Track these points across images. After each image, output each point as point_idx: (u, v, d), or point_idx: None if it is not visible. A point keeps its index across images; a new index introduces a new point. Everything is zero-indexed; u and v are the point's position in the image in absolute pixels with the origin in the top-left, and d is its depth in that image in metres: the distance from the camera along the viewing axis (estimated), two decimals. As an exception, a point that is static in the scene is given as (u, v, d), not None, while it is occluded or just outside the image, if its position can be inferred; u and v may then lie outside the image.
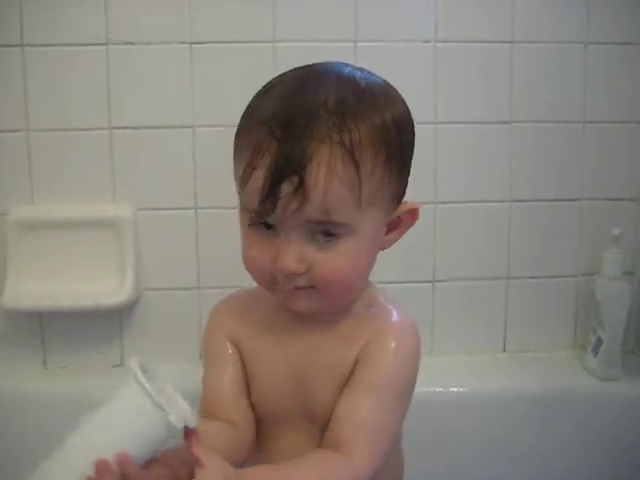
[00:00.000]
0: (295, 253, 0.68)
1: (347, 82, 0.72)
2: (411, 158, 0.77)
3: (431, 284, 1.27)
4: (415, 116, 1.20)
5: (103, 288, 1.19)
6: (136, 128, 1.19)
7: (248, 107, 0.74)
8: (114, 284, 1.19)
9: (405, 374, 0.76)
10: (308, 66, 0.76)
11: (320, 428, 0.76)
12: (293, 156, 0.65)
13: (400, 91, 1.21)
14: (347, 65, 0.76)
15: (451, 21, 1.21)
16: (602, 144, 1.26)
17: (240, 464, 0.75)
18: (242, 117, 0.74)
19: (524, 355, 1.29)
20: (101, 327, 1.23)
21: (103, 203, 1.21)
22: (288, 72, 0.76)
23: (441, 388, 1.19)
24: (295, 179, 0.65)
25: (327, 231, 0.69)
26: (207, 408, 0.79)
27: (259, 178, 0.66)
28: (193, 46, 1.18)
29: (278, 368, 0.78)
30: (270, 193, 0.66)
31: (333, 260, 0.69)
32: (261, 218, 0.69)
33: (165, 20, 1.18)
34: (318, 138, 0.65)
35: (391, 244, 0.77)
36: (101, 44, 1.17)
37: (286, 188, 0.65)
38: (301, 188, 0.65)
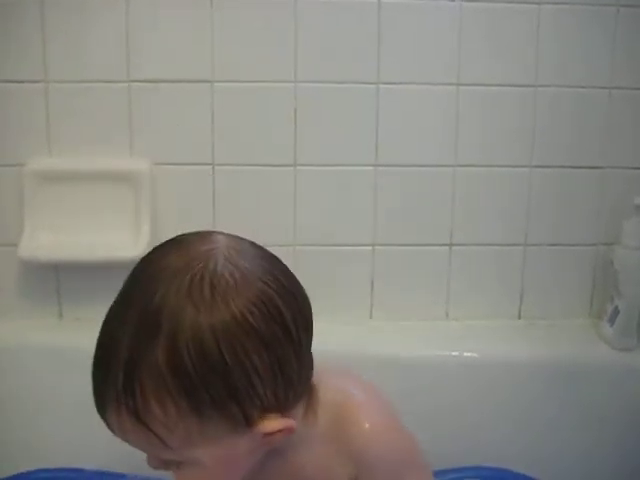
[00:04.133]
0: (152, 459, 0.66)
1: (150, 313, 0.61)
2: (260, 375, 0.61)
3: (448, 247, 1.26)
4: (438, 78, 1.20)
5: (119, 241, 1.19)
6: (155, 82, 1.18)
7: None
8: (130, 237, 1.19)
9: (400, 440, 0.74)
10: (142, 269, 0.68)
11: None
12: (97, 397, 0.63)
13: (424, 52, 1.21)
14: (186, 270, 0.62)
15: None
16: (626, 111, 1.23)
17: None
18: None
19: (539, 322, 1.29)
20: (116, 280, 1.21)
21: (120, 156, 1.21)
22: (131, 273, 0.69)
23: (455, 352, 1.19)
24: (104, 419, 0.63)
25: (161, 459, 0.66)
26: None
27: None
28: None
29: None
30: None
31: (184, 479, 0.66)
32: None
33: (186, -29, 1.17)
34: (109, 391, 0.61)
35: (283, 439, 0.66)
36: (121, -6, 1.16)
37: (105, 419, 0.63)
38: (110, 426, 0.63)
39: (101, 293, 1.23)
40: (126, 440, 0.63)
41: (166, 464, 0.66)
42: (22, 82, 1.18)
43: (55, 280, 1.24)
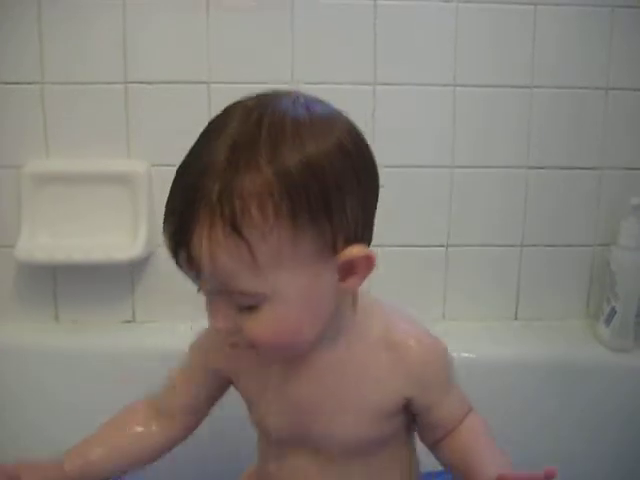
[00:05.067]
0: (220, 315, 0.66)
1: (248, 129, 0.63)
2: (352, 195, 0.65)
3: (444, 248, 1.26)
4: (434, 79, 1.21)
5: (116, 243, 1.19)
6: (151, 83, 1.18)
7: None
8: (127, 239, 1.19)
9: (445, 361, 0.78)
10: (233, 106, 0.69)
11: (325, 454, 0.76)
12: (180, 227, 0.62)
13: (420, 53, 1.20)
14: (278, 99, 0.66)
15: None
16: (622, 112, 1.24)
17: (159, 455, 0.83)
18: None
19: (536, 323, 1.29)
20: (113, 282, 1.24)
21: (117, 158, 1.21)
22: (217, 115, 0.69)
23: (452, 353, 1.19)
24: (184, 251, 0.62)
25: (239, 301, 0.64)
26: (153, 405, 0.84)
27: (167, 243, 0.65)
28: (210, 0, 1.16)
29: (276, 403, 0.76)
30: (175, 261, 0.64)
31: (258, 326, 0.65)
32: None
33: (182, -27, 1.17)
34: (201, 207, 0.60)
35: (354, 288, 0.69)
36: (118, -4, 1.16)
37: (182, 258, 0.63)
38: (191, 260, 0.62)
39: (98, 295, 1.25)
40: (211, 267, 0.61)
41: (239, 311, 0.65)
42: (19, 84, 1.18)
43: (52, 282, 1.24)
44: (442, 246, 1.26)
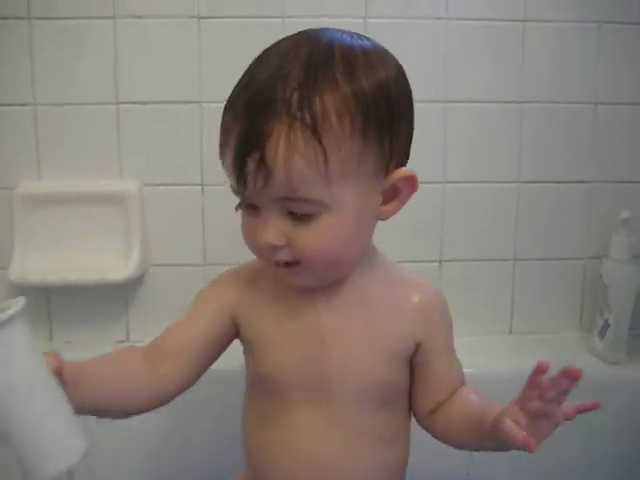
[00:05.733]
0: (272, 228, 0.69)
1: (320, 51, 0.68)
2: (405, 122, 0.73)
3: (438, 264, 1.27)
4: (425, 95, 1.21)
5: (109, 263, 1.19)
6: (143, 103, 1.19)
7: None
8: (120, 259, 1.19)
9: (448, 310, 0.82)
10: (291, 36, 0.74)
11: (338, 400, 0.76)
12: (253, 132, 0.65)
13: (410, 69, 1.21)
14: (337, 32, 0.73)
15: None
16: (612, 126, 1.25)
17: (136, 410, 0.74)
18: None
19: (530, 337, 1.29)
20: (107, 302, 1.24)
21: (110, 178, 1.21)
22: (275, 43, 0.75)
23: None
24: (256, 155, 0.65)
25: (300, 210, 0.68)
26: (152, 344, 0.78)
27: (229, 156, 0.68)
28: (201, 20, 1.17)
29: (295, 339, 0.76)
30: (239, 170, 0.67)
31: (311, 237, 0.68)
32: (239, 195, 0.71)
33: (173, -6, 1.17)
34: (277, 113, 0.64)
35: (391, 215, 0.74)
36: (108, 18, 1.16)
37: (250, 164, 0.65)
38: (263, 164, 0.65)
39: (92, 315, 1.24)
40: (283, 171, 0.64)
41: (292, 223, 0.68)
42: (11, 105, 1.19)
43: (45, 303, 1.24)
44: (435, 261, 1.27)
